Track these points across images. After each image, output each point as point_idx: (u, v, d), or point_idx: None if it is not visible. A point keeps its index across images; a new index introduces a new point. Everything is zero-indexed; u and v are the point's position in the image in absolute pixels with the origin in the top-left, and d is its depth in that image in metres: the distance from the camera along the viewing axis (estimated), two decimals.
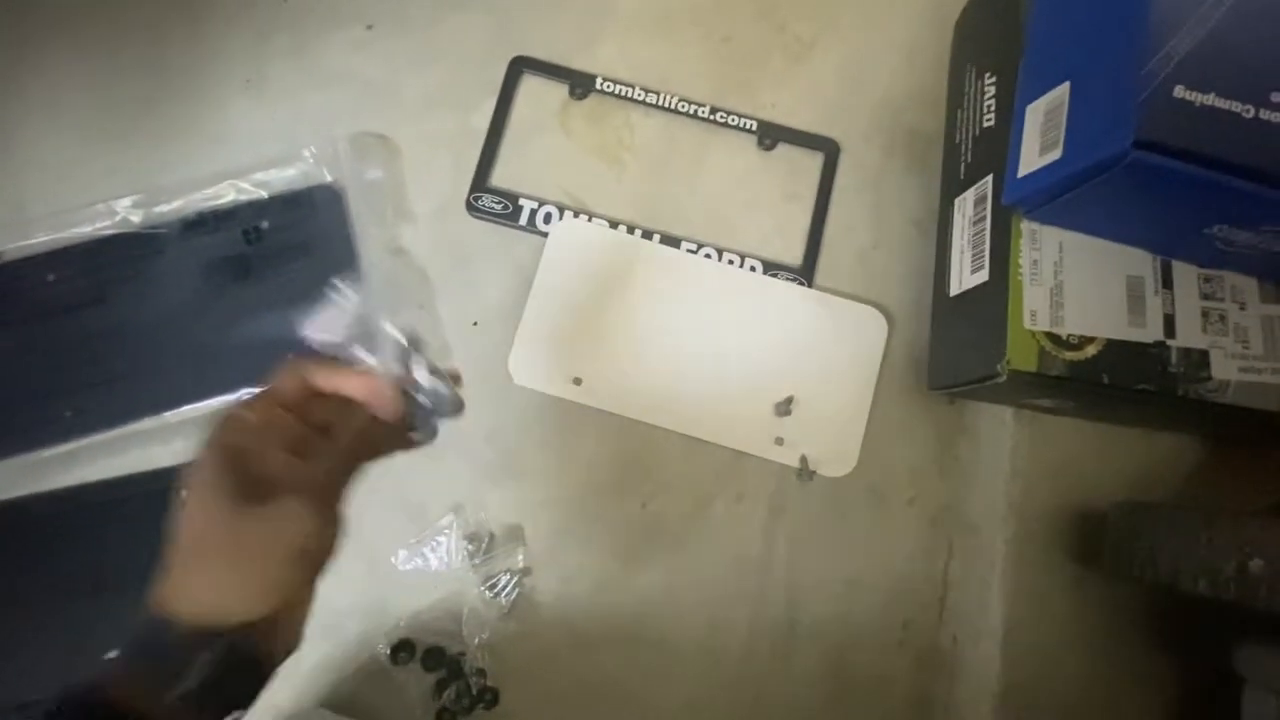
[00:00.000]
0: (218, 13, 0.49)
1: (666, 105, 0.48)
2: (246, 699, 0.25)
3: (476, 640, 0.41)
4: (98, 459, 0.43)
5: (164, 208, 0.45)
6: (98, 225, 0.45)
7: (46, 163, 0.47)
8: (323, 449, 0.27)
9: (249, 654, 0.25)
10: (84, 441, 0.43)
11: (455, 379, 0.30)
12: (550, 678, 0.42)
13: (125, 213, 0.45)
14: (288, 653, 0.27)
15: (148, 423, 0.43)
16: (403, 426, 0.29)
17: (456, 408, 0.30)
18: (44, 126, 0.48)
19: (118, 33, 0.49)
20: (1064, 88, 0.32)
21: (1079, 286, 0.34)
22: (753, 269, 0.46)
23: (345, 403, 0.28)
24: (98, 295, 0.44)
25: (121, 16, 0.49)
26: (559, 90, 0.48)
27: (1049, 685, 0.39)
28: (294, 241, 0.45)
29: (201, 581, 0.25)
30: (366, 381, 0.28)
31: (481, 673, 0.41)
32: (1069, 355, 0.33)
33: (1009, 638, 0.39)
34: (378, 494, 0.43)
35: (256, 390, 0.28)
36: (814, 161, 0.48)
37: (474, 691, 0.40)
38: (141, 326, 0.44)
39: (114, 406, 0.43)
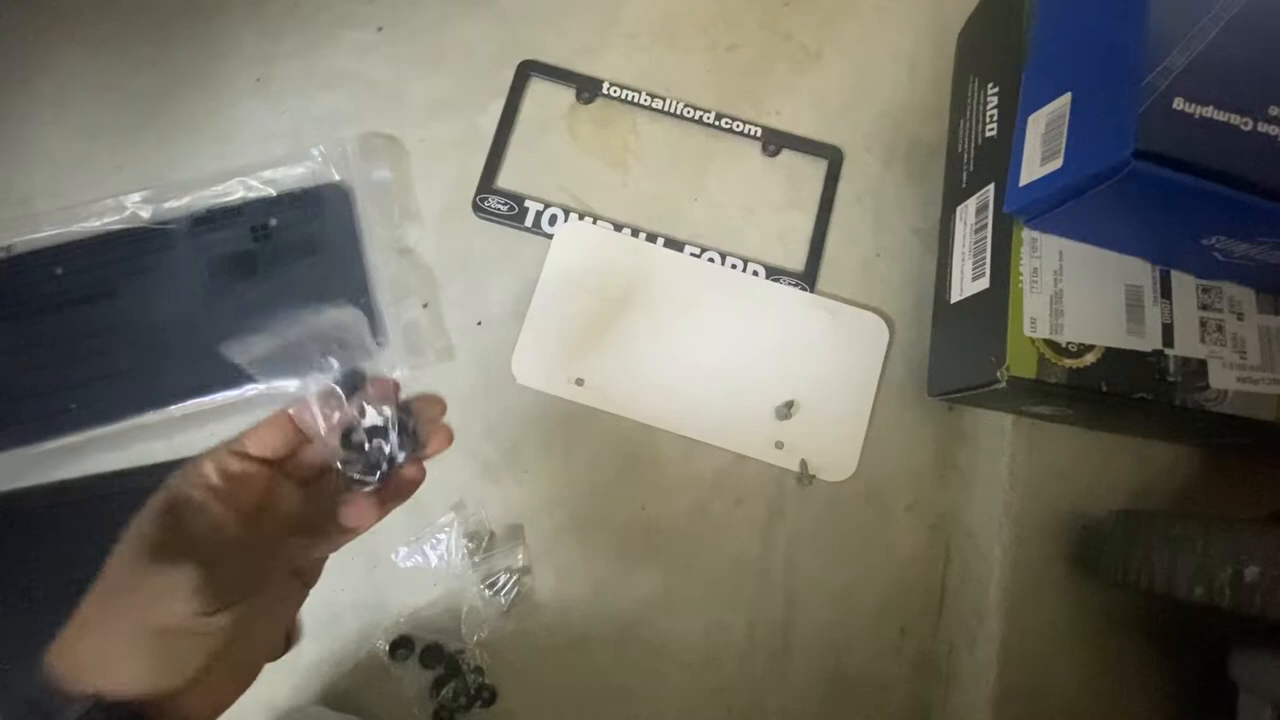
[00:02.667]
0: (228, 12, 0.50)
1: (672, 111, 0.48)
2: None
3: (475, 638, 0.41)
4: (101, 452, 0.43)
5: (173, 203, 0.45)
6: (106, 220, 0.45)
7: (55, 158, 0.48)
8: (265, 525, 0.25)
9: None
10: (88, 434, 0.43)
11: (433, 409, 0.27)
12: (548, 677, 0.42)
13: (134, 208, 0.45)
14: None
15: (151, 417, 0.43)
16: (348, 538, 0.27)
17: (417, 447, 0.27)
18: (52, 122, 0.48)
19: (127, 30, 0.50)
20: (1065, 99, 0.32)
21: (1079, 295, 0.35)
22: (755, 273, 0.47)
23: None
24: (105, 289, 0.44)
25: (131, 14, 0.50)
26: (566, 94, 0.49)
27: (1045, 692, 0.39)
28: (301, 239, 0.45)
29: (89, 639, 0.22)
30: (359, 505, 0.26)
31: (479, 670, 0.41)
32: (1068, 363, 0.34)
33: (1006, 644, 0.40)
34: None
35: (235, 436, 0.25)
36: (817, 168, 0.48)
37: (472, 689, 0.40)
38: (148, 321, 0.44)
39: (118, 400, 0.43)
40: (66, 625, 0.23)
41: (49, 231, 0.45)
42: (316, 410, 0.26)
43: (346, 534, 0.27)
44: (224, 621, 0.23)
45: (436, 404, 0.28)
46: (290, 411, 0.26)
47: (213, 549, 0.23)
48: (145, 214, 0.45)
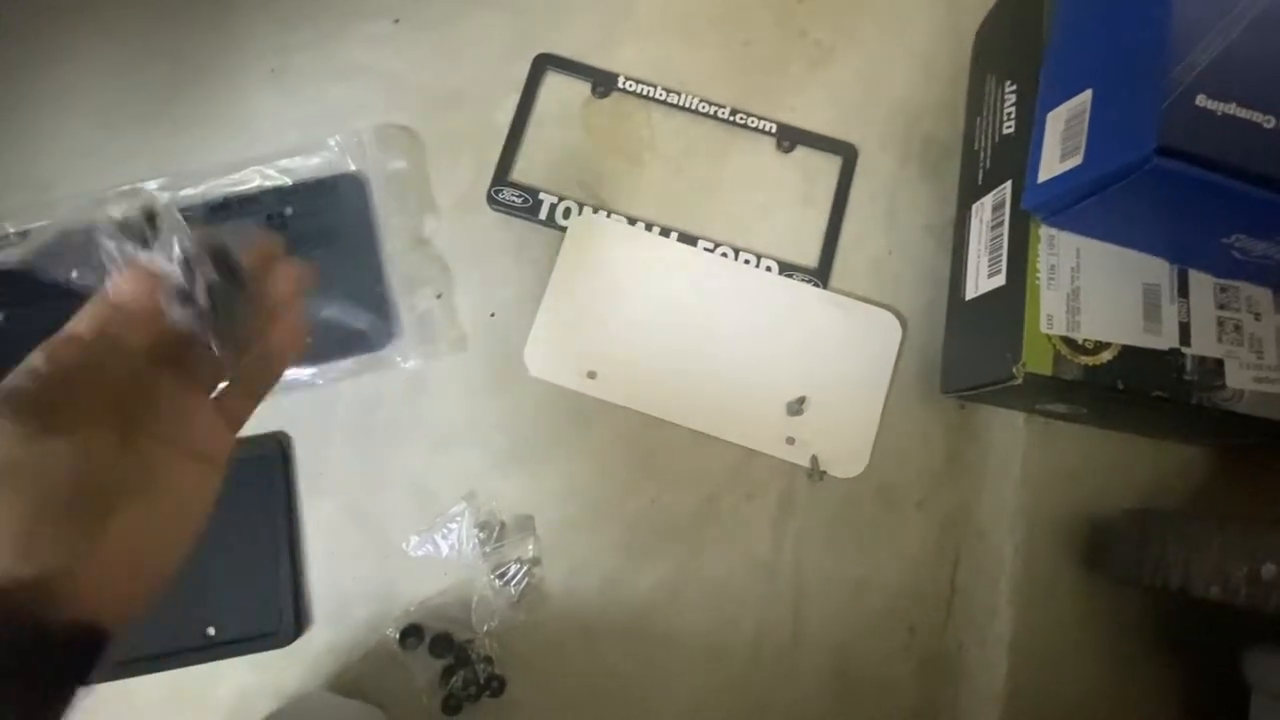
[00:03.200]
0: (245, 1, 0.50)
1: (687, 106, 0.48)
2: (55, 678, 0.19)
3: (485, 628, 0.41)
4: None
5: (189, 192, 0.45)
6: (124, 208, 0.45)
7: (73, 145, 0.48)
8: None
9: (28, 624, 0.18)
10: None
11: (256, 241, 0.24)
12: (556, 668, 0.42)
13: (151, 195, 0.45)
14: (115, 621, 0.20)
15: None
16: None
17: (243, 289, 0.23)
18: (69, 108, 0.49)
19: (146, 17, 0.50)
20: (1086, 95, 0.32)
21: (1096, 292, 0.35)
22: (768, 269, 0.47)
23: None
24: None
25: (150, 2, 0.50)
26: (581, 88, 0.49)
27: (1056, 692, 0.39)
28: (317, 229, 0.45)
29: None
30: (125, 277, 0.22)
31: (489, 660, 0.41)
32: (1084, 360, 0.34)
33: (1016, 643, 0.40)
34: (392, 479, 0.44)
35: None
36: (831, 165, 0.48)
37: (481, 679, 0.41)
38: None
39: None
40: None
41: (65, 218, 0.45)
42: (115, 271, 0.21)
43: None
44: (63, 447, 0.20)
45: (255, 233, 0.24)
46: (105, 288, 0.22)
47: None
48: (162, 201, 0.45)
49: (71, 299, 0.44)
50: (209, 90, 0.49)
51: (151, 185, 0.46)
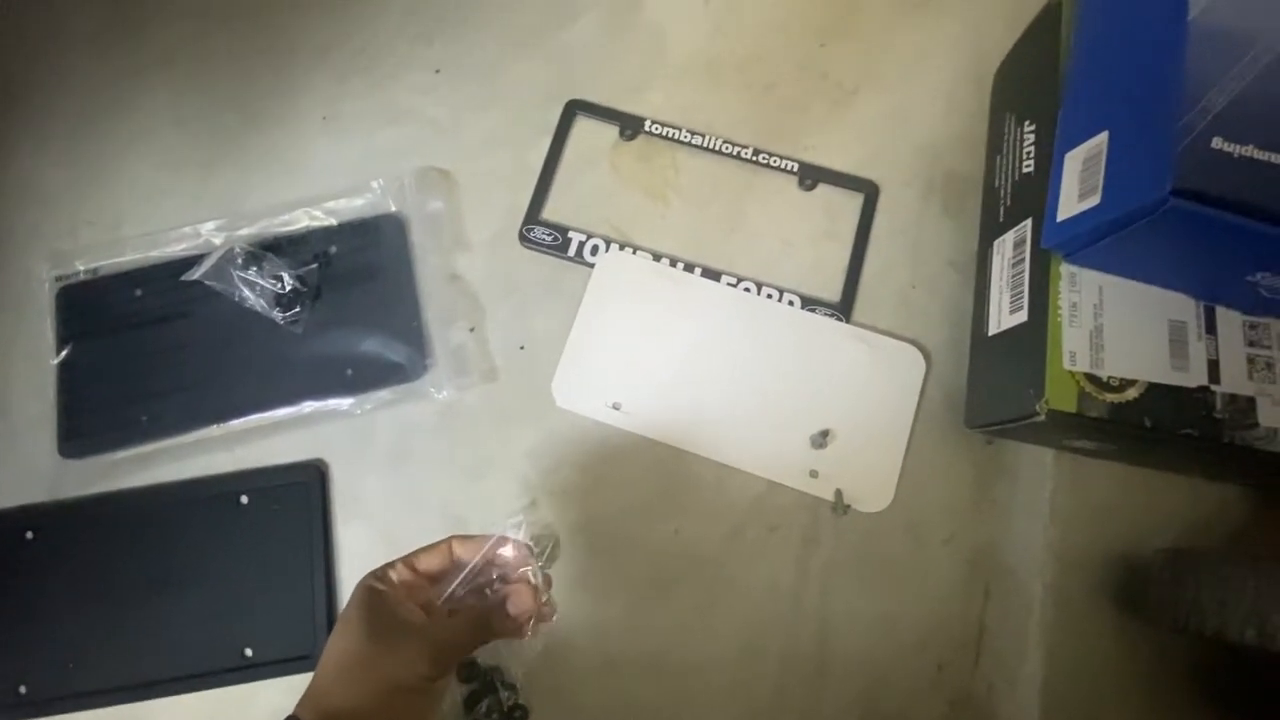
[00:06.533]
0: (301, 56, 0.54)
1: (711, 147, 0.50)
2: None
3: (510, 656, 0.42)
4: (167, 462, 0.46)
5: (243, 232, 0.48)
6: (183, 246, 0.49)
7: (142, 188, 0.52)
8: (446, 617, 0.33)
9: None
10: (155, 445, 0.46)
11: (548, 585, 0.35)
12: (579, 698, 0.42)
13: (208, 235, 0.49)
14: None
15: (214, 430, 0.46)
16: (520, 625, 0.34)
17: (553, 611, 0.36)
18: (142, 154, 0.53)
19: (210, 71, 0.54)
20: (1103, 137, 0.33)
21: (1120, 329, 0.35)
22: (791, 303, 0.48)
23: (480, 591, 0.34)
24: (179, 310, 0.48)
25: (217, 58, 0.54)
26: (610, 131, 0.51)
27: None
28: (359, 266, 0.48)
29: (339, 694, 0.29)
30: (521, 592, 0.33)
31: (513, 688, 0.41)
32: (1109, 397, 0.34)
33: (1047, 685, 0.39)
34: (424, 505, 0.45)
35: (406, 553, 0.33)
36: (853, 202, 0.49)
37: (505, 707, 0.41)
38: (215, 340, 0.47)
39: (185, 413, 0.46)
40: (311, 685, 0.30)
41: (131, 256, 0.49)
42: (499, 552, 0.33)
43: (516, 625, 0.34)
44: (441, 686, 0.31)
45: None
46: (454, 544, 0.34)
47: (422, 631, 0.31)
48: (217, 241, 0.49)
49: (156, 327, 0.48)
50: (267, 138, 0.52)
51: (210, 225, 0.49)
